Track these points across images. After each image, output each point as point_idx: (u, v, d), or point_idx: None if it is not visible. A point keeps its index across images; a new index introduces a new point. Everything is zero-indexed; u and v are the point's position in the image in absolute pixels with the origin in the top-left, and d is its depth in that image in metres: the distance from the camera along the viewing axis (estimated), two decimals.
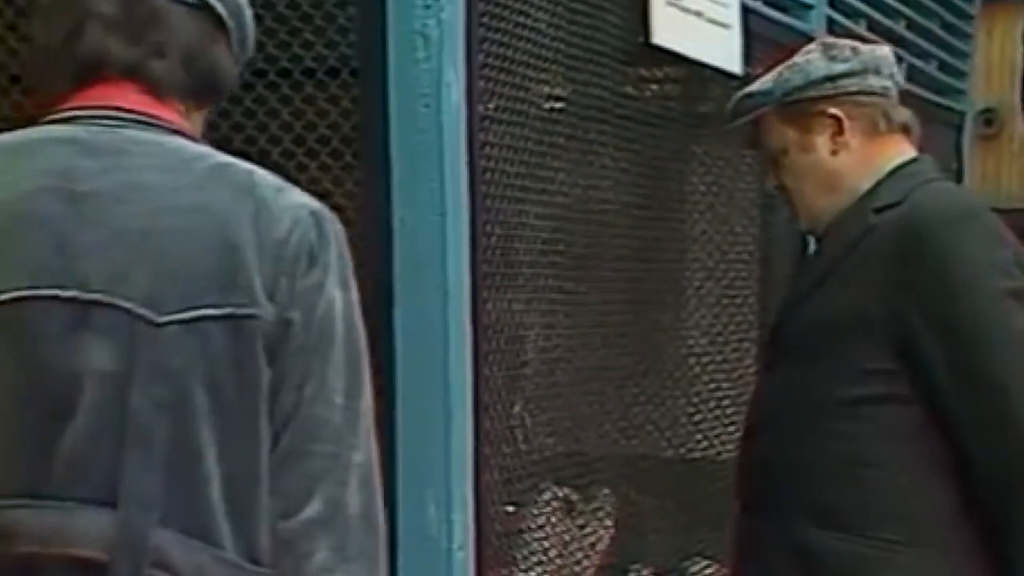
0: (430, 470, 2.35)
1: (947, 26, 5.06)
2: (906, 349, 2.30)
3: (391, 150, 2.34)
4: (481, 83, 2.41)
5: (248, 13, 1.68)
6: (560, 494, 2.80)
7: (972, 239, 2.33)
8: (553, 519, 2.77)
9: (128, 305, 1.47)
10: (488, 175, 2.44)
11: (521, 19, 2.55)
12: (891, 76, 2.53)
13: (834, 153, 2.48)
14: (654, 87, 3.31)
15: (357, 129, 2.44)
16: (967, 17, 5.28)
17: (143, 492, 1.46)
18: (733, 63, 3.21)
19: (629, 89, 3.09)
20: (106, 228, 1.48)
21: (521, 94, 2.57)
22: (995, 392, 2.27)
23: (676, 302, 3.39)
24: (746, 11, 3.33)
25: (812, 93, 2.49)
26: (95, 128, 1.54)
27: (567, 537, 2.83)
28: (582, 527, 2.89)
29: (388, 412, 2.34)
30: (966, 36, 5.29)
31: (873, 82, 2.49)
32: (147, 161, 1.53)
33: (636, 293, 3.12)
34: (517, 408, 2.62)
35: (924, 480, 2.34)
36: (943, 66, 5.04)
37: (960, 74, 5.23)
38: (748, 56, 3.26)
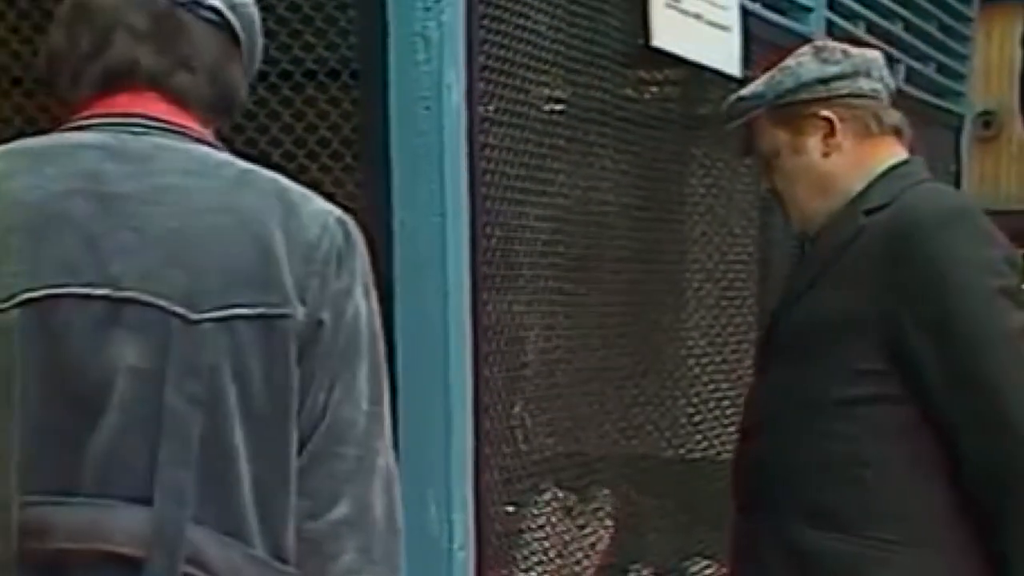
0: (431, 470, 2.35)
1: (945, 28, 5.07)
2: (898, 349, 2.31)
3: (391, 152, 2.35)
4: (481, 85, 2.41)
5: (259, 27, 1.70)
6: (560, 494, 2.81)
7: (962, 239, 2.33)
8: (553, 519, 2.78)
9: (163, 303, 1.48)
10: (488, 177, 2.45)
11: (521, 21, 2.55)
12: (881, 79, 2.53)
13: (825, 155, 2.49)
14: (654, 89, 3.32)
15: (358, 131, 2.44)
16: (965, 19, 5.28)
17: (178, 488, 1.46)
18: (732, 65, 3.22)
19: (629, 91, 3.10)
20: (136, 229, 1.50)
21: (521, 96, 2.58)
22: (988, 391, 2.27)
23: (676, 303, 3.40)
24: (745, 13, 3.34)
25: (804, 96, 2.49)
26: (123, 135, 1.56)
27: (567, 537, 2.83)
28: (582, 527, 2.90)
29: (390, 413, 2.35)
30: (964, 38, 5.30)
31: (864, 85, 2.50)
32: (174, 165, 1.54)
33: (636, 294, 3.13)
34: (517, 409, 2.63)
35: (919, 480, 2.35)
36: (942, 68, 5.05)
37: (959, 76, 5.23)
38: (747, 58, 3.27)
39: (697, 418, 3.39)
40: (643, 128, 3.11)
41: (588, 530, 2.92)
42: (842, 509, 2.37)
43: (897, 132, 2.52)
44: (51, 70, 1.62)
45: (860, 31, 4.12)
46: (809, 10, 3.77)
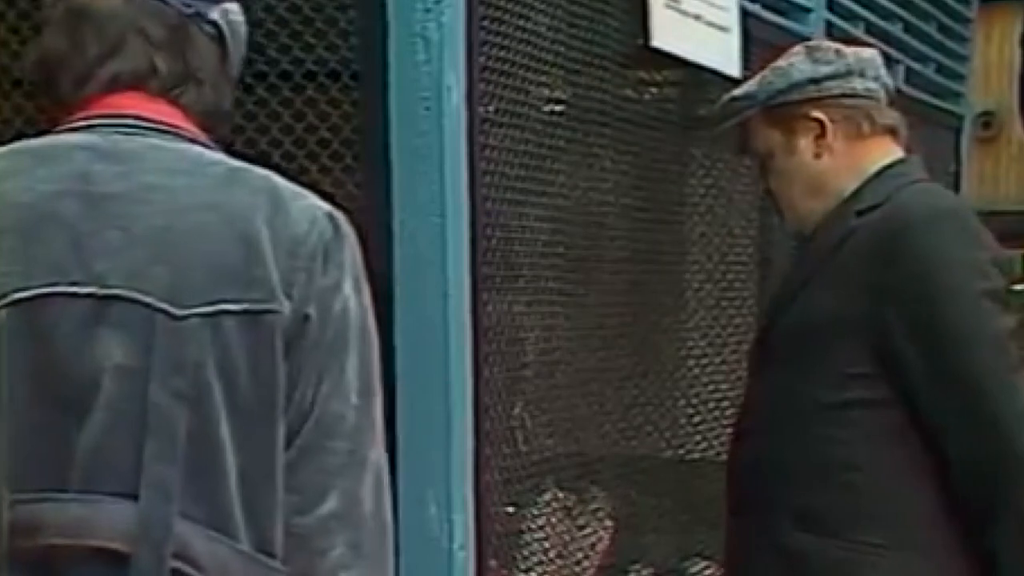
0: (431, 470, 2.36)
1: (944, 29, 5.07)
2: (886, 351, 2.31)
3: (391, 153, 2.35)
4: (481, 86, 2.42)
5: (244, 39, 1.72)
6: (560, 495, 2.81)
7: (949, 240, 2.33)
8: (553, 519, 2.79)
9: (148, 300, 1.49)
10: (488, 178, 2.46)
11: (521, 22, 2.56)
12: (877, 78, 2.52)
13: (817, 156, 2.48)
14: (653, 90, 3.32)
15: (358, 132, 2.45)
16: (964, 20, 5.29)
17: (164, 483, 1.47)
18: (732, 66, 3.22)
19: (628, 92, 3.10)
20: (123, 228, 1.51)
21: (521, 97, 2.58)
22: (974, 392, 2.27)
23: (675, 304, 3.40)
24: (745, 14, 3.34)
25: (795, 96, 2.49)
26: (115, 135, 1.57)
27: (567, 537, 2.84)
28: (582, 528, 2.90)
29: (389, 413, 2.35)
30: (963, 39, 5.30)
31: (857, 84, 2.49)
32: (164, 165, 1.56)
33: (636, 295, 3.14)
34: (517, 409, 2.63)
35: (908, 483, 2.35)
36: (941, 69, 5.05)
37: (958, 77, 5.24)
38: (747, 59, 3.27)
39: (697, 419, 3.39)
40: (643, 129, 3.12)
41: (588, 530, 2.92)
42: (832, 512, 2.37)
43: (892, 132, 2.51)
44: (48, 72, 1.63)
45: (859, 32, 4.12)
46: (808, 11, 3.77)
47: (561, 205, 2.77)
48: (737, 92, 2.59)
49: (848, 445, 2.36)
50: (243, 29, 1.71)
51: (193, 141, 1.61)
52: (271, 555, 1.53)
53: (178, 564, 1.47)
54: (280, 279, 1.52)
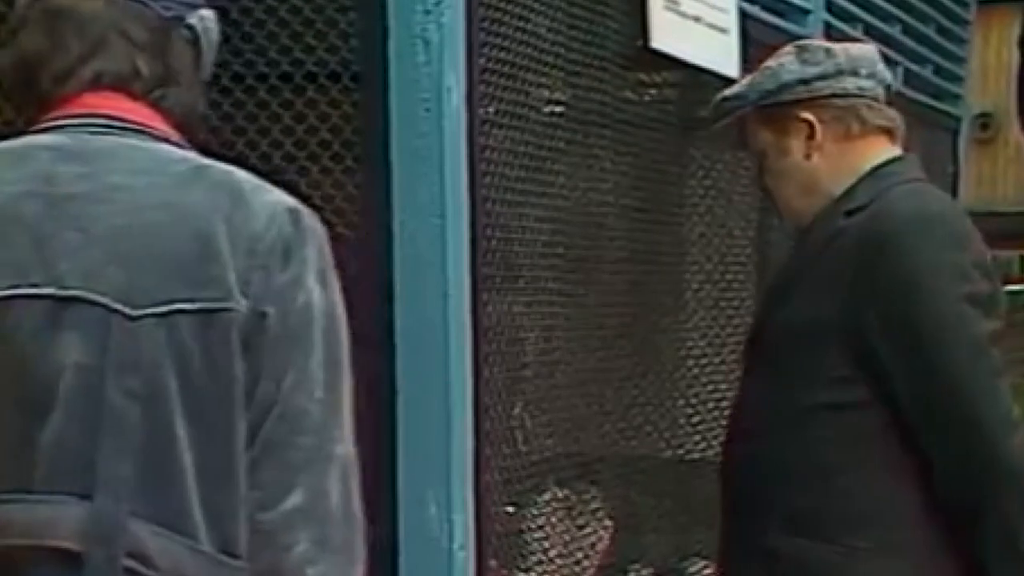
0: (431, 471, 2.36)
1: (943, 31, 5.08)
2: (867, 354, 2.30)
3: (392, 154, 2.36)
4: (481, 87, 2.42)
5: (216, 44, 1.73)
6: (560, 495, 2.82)
7: (931, 243, 2.32)
8: (553, 519, 2.79)
9: (103, 300, 1.50)
10: (488, 178, 2.46)
11: (521, 24, 2.56)
12: (871, 75, 2.49)
13: (808, 156, 2.47)
14: (653, 91, 3.33)
15: (358, 133, 2.45)
16: (962, 22, 5.29)
17: (116, 482, 1.48)
18: (731, 68, 3.23)
19: (628, 93, 3.11)
20: (83, 228, 1.53)
21: (521, 98, 2.59)
22: (954, 394, 2.27)
23: (675, 304, 3.41)
24: (744, 16, 3.35)
25: (785, 97, 2.48)
26: (83, 135, 1.59)
27: (567, 537, 2.84)
28: (582, 527, 2.91)
29: (390, 413, 2.36)
30: (962, 41, 5.31)
31: (848, 84, 2.47)
32: (128, 164, 1.57)
33: (635, 295, 3.14)
34: (517, 409, 2.63)
35: (891, 485, 2.34)
36: (939, 70, 5.06)
37: (956, 78, 5.24)
38: (746, 61, 3.28)
39: (696, 419, 3.39)
40: (642, 130, 3.12)
41: (588, 530, 2.93)
42: (817, 515, 2.37)
43: (886, 131, 2.49)
44: (27, 71, 1.63)
45: (857, 33, 4.13)
46: (807, 12, 3.78)
47: (561, 206, 2.78)
48: (728, 92, 2.59)
49: (829, 447, 2.35)
50: (216, 35, 1.72)
51: (164, 140, 1.61)
52: (233, 553, 1.53)
53: (131, 563, 1.48)
54: (237, 277, 1.52)
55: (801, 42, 2.62)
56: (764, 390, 2.47)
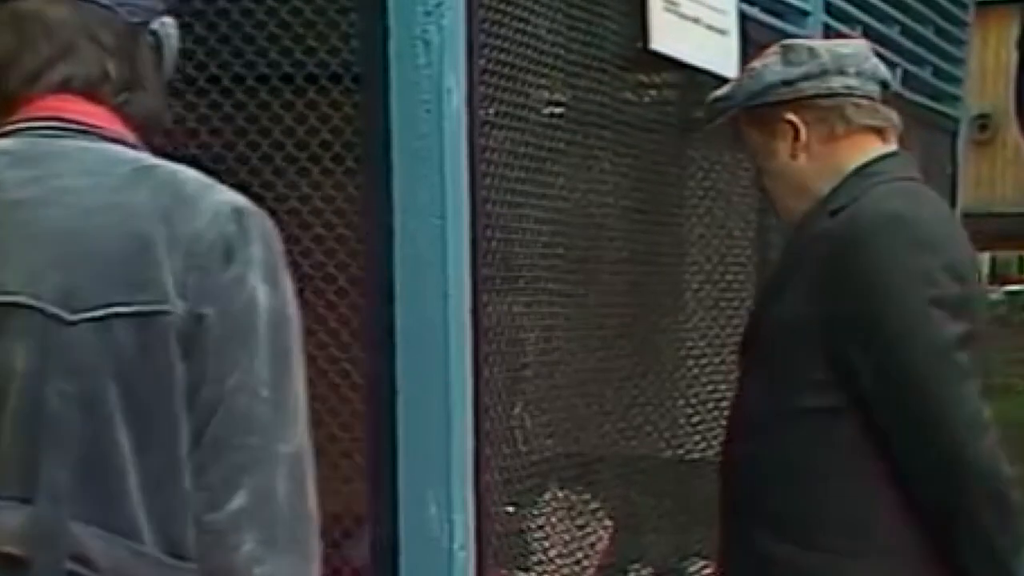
0: (431, 471, 2.37)
1: (941, 32, 5.08)
2: (837, 357, 2.30)
3: (392, 155, 2.36)
4: (481, 88, 2.43)
5: (175, 50, 1.74)
6: (560, 495, 2.82)
7: (898, 246, 2.30)
8: (553, 519, 2.80)
9: (42, 305, 1.51)
10: (488, 180, 2.47)
11: (521, 25, 2.57)
12: (860, 73, 2.47)
13: (794, 157, 2.45)
14: (652, 93, 3.34)
15: (359, 134, 2.46)
16: (961, 23, 5.30)
17: (56, 487, 1.49)
18: (730, 69, 3.23)
19: (628, 95, 3.11)
20: (28, 234, 1.53)
21: (521, 99, 2.60)
22: (919, 400, 2.26)
23: (674, 305, 3.41)
24: (743, 17, 3.35)
25: (770, 98, 2.46)
26: (37, 138, 1.59)
27: (567, 537, 2.85)
28: (582, 527, 2.91)
29: (390, 413, 2.37)
30: (960, 42, 5.31)
31: (835, 83, 2.45)
32: (78, 166, 1.57)
33: (635, 296, 3.15)
34: (517, 409, 2.64)
35: (872, 489, 2.33)
36: (938, 72, 5.07)
37: (954, 80, 5.25)
38: (745, 62, 3.28)
39: (696, 419, 3.40)
40: (642, 131, 3.13)
41: (588, 530, 2.93)
42: (794, 519, 2.36)
43: (876, 130, 2.47)
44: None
45: (856, 34, 4.13)
46: (806, 14, 3.78)
47: (561, 207, 2.78)
48: (719, 93, 2.59)
49: (811, 450, 2.35)
50: (176, 41, 1.74)
51: (118, 141, 1.62)
52: (180, 555, 1.54)
53: (75, 567, 1.49)
54: (174, 279, 1.52)
55: (787, 42, 2.58)
56: (756, 390, 2.47)
